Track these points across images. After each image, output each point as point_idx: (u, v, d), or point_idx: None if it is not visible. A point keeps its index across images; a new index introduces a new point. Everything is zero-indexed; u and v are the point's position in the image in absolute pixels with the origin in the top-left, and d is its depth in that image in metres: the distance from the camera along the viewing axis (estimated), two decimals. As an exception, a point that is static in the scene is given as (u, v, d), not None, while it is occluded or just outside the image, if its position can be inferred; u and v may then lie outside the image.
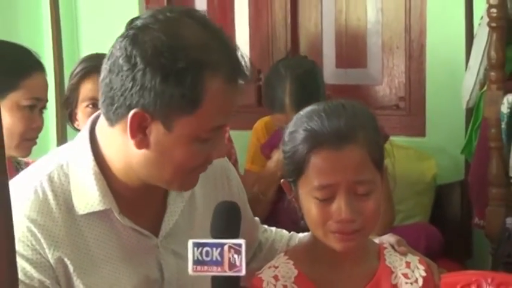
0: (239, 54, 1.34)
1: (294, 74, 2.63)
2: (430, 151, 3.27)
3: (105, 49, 1.40)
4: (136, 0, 3.76)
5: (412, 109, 3.46)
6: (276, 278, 1.42)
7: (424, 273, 1.47)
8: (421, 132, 3.39)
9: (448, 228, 2.97)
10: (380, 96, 3.56)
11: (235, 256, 1.25)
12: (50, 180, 1.39)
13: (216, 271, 1.25)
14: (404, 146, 3.24)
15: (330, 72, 3.53)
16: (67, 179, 1.39)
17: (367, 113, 1.45)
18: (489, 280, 1.98)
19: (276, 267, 1.44)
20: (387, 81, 3.54)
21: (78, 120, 2.39)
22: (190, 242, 1.26)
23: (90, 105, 2.33)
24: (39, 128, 2.11)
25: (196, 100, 1.28)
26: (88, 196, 1.38)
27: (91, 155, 1.39)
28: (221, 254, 1.25)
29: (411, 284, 1.46)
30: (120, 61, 1.29)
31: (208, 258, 1.25)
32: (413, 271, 1.48)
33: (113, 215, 1.39)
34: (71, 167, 1.40)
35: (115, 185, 1.39)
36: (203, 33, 1.31)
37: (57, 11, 3.38)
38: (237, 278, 1.27)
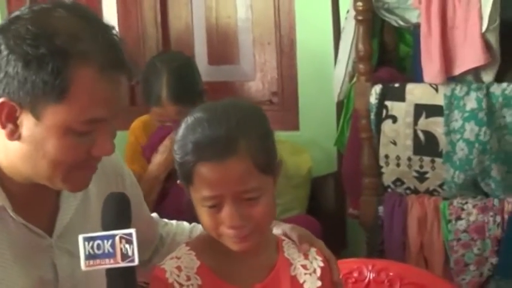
0: (117, 46, 1.33)
1: (170, 67, 2.65)
2: (304, 145, 3.33)
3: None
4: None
5: (285, 104, 3.51)
6: (179, 268, 1.41)
7: (321, 264, 1.50)
8: (295, 126, 3.45)
9: (323, 220, 3.02)
10: (253, 92, 3.59)
11: (127, 246, 1.24)
12: None
13: (109, 263, 1.24)
14: (280, 140, 3.25)
15: (203, 69, 3.48)
16: None
17: (255, 116, 1.44)
18: (370, 267, 2.03)
19: (179, 258, 1.44)
20: (260, 76, 3.58)
21: None
22: (80, 237, 1.25)
23: None
24: None
25: (61, 88, 1.27)
26: None
27: None
28: (113, 246, 1.24)
29: (310, 274, 1.49)
30: None
31: (100, 252, 1.24)
32: (311, 262, 1.50)
33: (6, 214, 1.36)
34: None
35: (6, 184, 1.37)
36: (75, 23, 1.30)
37: None
38: (132, 269, 1.26)
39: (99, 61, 1.29)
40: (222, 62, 3.60)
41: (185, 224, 1.74)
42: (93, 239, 1.24)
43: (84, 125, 1.31)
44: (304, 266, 1.50)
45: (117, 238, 1.24)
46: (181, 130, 1.41)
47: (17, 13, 1.33)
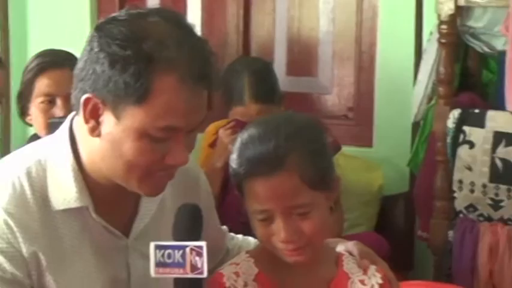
0: (203, 58, 1.34)
1: (251, 68, 2.72)
2: (377, 162, 3.33)
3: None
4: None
5: (360, 120, 3.51)
6: (237, 274, 1.45)
7: (380, 281, 1.51)
8: (369, 143, 3.44)
9: (391, 239, 3.01)
10: (329, 106, 3.60)
11: (197, 258, 1.27)
12: (28, 174, 1.41)
13: (178, 273, 1.27)
14: (352, 155, 3.29)
15: (281, 79, 3.49)
16: (45, 174, 1.41)
17: (307, 131, 1.45)
18: (435, 290, 2.04)
19: (237, 264, 1.48)
20: (337, 91, 3.58)
21: (30, 115, 2.39)
22: (152, 245, 1.28)
23: (45, 101, 2.33)
24: None
25: (141, 91, 1.30)
26: (65, 192, 1.40)
27: (70, 150, 1.41)
28: (183, 257, 1.27)
29: None
30: (85, 46, 1.36)
31: (171, 261, 1.27)
32: (369, 278, 1.51)
33: (87, 213, 1.42)
34: (49, 162, 1.42)
35: (90, 183, 1.42)
36: (166, 30, 1.33)
37: (6, 12, 3.34)
38: (200, 280, 1.29)
39: (181, 70, 1.31)
40: (301, 74, 3.61)
41: (251, 238, 1.75)
42: (165, 247, 1.28)
43: (160, 131, 1.33)
44: (362, 281, 1.51)
45: (188, 249, 1.27)
46: (237, 144, 1.45)
47: (114, 14, 1.38)
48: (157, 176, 1.39)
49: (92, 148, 1.39)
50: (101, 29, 1.35)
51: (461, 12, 2.76)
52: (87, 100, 1.34)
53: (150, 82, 1.30)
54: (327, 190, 1.43)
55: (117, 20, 1.35)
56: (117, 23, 1.34)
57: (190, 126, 1.36)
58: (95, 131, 1.36)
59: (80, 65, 1.37)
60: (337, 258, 1.53)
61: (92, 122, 1.35)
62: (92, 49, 1.33)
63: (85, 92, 1.34)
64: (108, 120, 1.34)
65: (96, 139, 1.37)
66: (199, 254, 1.27)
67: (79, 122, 1.41)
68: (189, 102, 1.33)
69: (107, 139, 1.36)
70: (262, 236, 1.44)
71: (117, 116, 1.33)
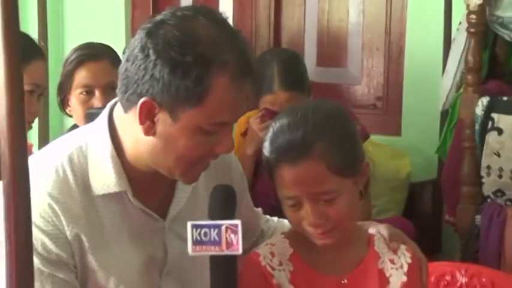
0: (248, 54, 1.41)
1: (281, 57, 2.74)
2: (405, 149, 3.39)
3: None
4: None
5: (389, 109, 3.58)
6: (272, 254, 1.51)
7: (409, 260, 1.55)
8: (397, 131, 3.51)
9: (419, 225, 3.06)
10: (359, 96, 3.67)
11: (232, 236, 1.31)
12: (70, 161, 1.47)
13: (214, 250, 1.32)
14: (381, 144, 3.35)
15: (311, 70, 3.58)
16: (86, 160, 1.48)
17: (334, 119, 1.50)
18: (463, 271, 2.07)
19: (273, 245, 1.54)
20: (366, 81, 3.65)
21: (70, 106, 2.46)
22: (189, 224, 1.33)
23: (84, 93, 2.40)
24: (36, 113, 2.18)
25: (200, 94, 1.36)
26: (105, 178, 1.46)
27: (109, 138, 1.47)
28: (219, 235, 1.31)
29: (396, 269, 1.54)
30: (136, 51, 1.38)
31: (207, 239, 1.32)
32: (399, 257, 1.56)
33: (126, 197, 1.48)
34: (90, 149, 1.48)
35: (128, 169, 1.48)
36: (216, 32, 1.38)
37: (45, 7, 3.43)
38: (235, 257, 1.34)
39: (233, 70, 1.37)
40: (330, 64, 3.68)
41: (285, 221, 1.79)
42: (201, 226, 1.32)
43: (212, 126, 1.40)
44: (391, 261, 1.55)
45: (223, 228, 1.32)
46: (269, 133, 1.50)
47: (160, 17, 1.40)
48: (200, 166, 1.47)
49: (140, 143, 1.44)
50: (152, 35, 1.37)
51: (489, 1, 2.78)
52: (144, 103, 1.38)
53: (208, 85, 1.35)
54: (353, 176, 1.48)
55: (167, 23, 1.38)
56: (167, 27, 1.37)
57: (236, 118, 1.45)
58: (150, 130, 1.40)
59: (131, 68, 1.39)
60: (369, 239, 1.58)
61: (148, 123, 1.40)
62: (148, 56, 1.36)
63: (141, 95, 1.37)
64: (163, 119, 1.39)
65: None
66: (235, 232, 1.31)
67: (123, 116, 1.45)
68: (238, 97, 1.40)
69: (160, 137, 1.41)
70: (292, 220, 1.50)
71: (174, 118, 1.38)
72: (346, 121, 1.52)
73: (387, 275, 1.54)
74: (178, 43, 1.35)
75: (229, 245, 1.32)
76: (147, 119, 1.39)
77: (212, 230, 1.32)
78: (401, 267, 1.55)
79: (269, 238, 1.75)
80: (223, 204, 1.38)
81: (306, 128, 1.44)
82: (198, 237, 1.32)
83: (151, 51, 1.36)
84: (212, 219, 1.34)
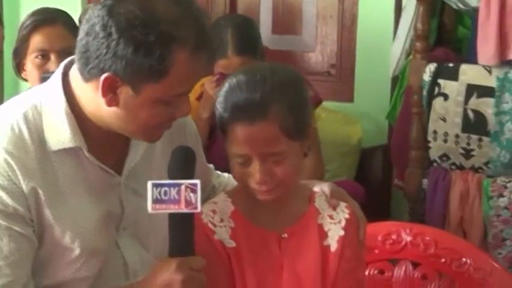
0: (207, 28, 1.46)
1: (234, 22, 2.75)
2: (357, 116, 3.45)
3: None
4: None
5: (342, 76, 3.63)
6: (214, 211, 1.56)
7: (347, 216, 1.62)
8: (350, 98, 3.58)
9: (370, 189, 3.14)
10: (312, 63, 3.72)
11: (191, 195, 1.35)
12: (25, 118, 1.50)
13: (173, 208, 1.35)
14: (333, 110, 3.41)
15: (266, 37, 3.63)
16: (40, 117, 1.51)
17: (291, 84, 1.54)
18: (407, 230, 2.12)
19: (215, 203, 1.59)
20: (320, 48, 3.69)
21: (25, 71, 2.47)
22: (149, 183, 1.35)
23: (39, 57, 2.42)
24: None
25: (163, 70, 1.40)
26: (60, 134, 1.50)
27: (63, 96, 1.50)
28: (178, 193, 1.35)
29: (334, 224, 1.60)
30: (97, 28, 1.41)
31: (167, 197, 1.35)
32: (338, 213, 1.62)
33: (82, 153, 1.52)
34: (44, 107, 1.52)
35: (85, 126, 1.51)
36: (175, 8, 1.42)
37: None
38: (192, 215, 1.38)
39: (192, 44, 1.41)
40: (285, 32, 3.72)
41: None
42: (161, 185, 1.35)
43: (173, 97, 1.46)
44: (330, 216, 1.61)
45: (183, 187, 1.35)
46: (224, 88, 1.53)
47: None
48: (162, 128, 1.52)
49: (102, 110, 1.47)
50: (113, 13, 1.40)
51: (437, -30, 2.86)
52: (106, 79, 1.42)
53: (170, 61, 1.40)
54: (301, 139, 1.53)
55: (127, 2, 1.40)
56: (129, 6, 1.40)
57: (194, 86, 1.51)
58: (112, 102, 1.44)
59: (93, 43, 1.42)
60: (310, 196, 1.64)
61: (110, 95, 1.44)
62: (110, 34, 1.39)
63: (103, 71, 1.41)
64: (125, 92, 1.43)
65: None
66: (194, 191, 1.35)
67: (83, 85, 1.48)
68: (197, 69, 1.46)
69: (123, 107, 1.45)
70: (238, 175, 1.54)
71: (136, 91, 1.43)
72: (301, 86, 1.56)
73: (326, 229, 1.60)
74: (140, 22, 1.38)
75: (188, 203, 1.35)
76: (110, 92, 1.43)
77: (172, 188, 1.35)
78: (340, 222, 1.61)
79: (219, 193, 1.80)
80: (183, 165, 1.41)
81: (264, 89, 1.47)
82: (158, 196, 1.35)
83: (113, 30, 1.39)
84: (172, 178, 1.37)
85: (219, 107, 1.53)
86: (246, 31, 2.73)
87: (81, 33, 1.46)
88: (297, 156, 1.53)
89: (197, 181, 1.36)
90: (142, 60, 1.39)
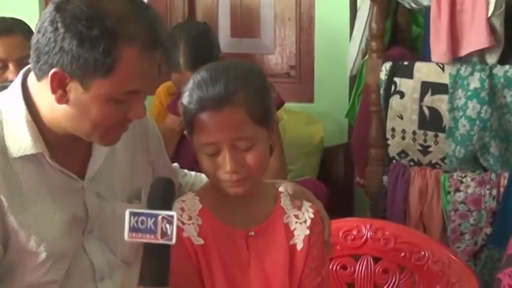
0: (157, 27, 1.48)
1: (188, 35, 2.74)
2: (318, 116, 3.51)
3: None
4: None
5: (302, 77, 3.69)
6: (182, 209, 1.60)
7: (312, 215, 1.67)
8: (310, 99, 3.63)
9: (332, 187, 3.18)
10: (272, 65, 3.76)
11: (168, 226, 1.35)
12: None
13: (149, 238, 1.35)
14: (295, 111, 3.46)
15: (226, 41, 3.70)
16: (1, 125, 1.53)
17: (253, 73, 1.59)
18: (368, 226, 2.18)
19: (184, 201, 1.62)
20: (279, 50, 3.74)
21: None
22: (127, 211, 1.36)
23: None
24: None
25: (109, 65, 1.43)
26: (21, 141, 1.52)
27: (23, 103, 1.53)
28: (155, 224, 1.35)
29: (300, 223, 1.66)
30: (46, 24, 1.44)
31: (143, 227, 1.35)
32: (303, 213, 1.67)
33: (44, 159, 1.54)
34: (4, 114, 1.54)
35: (45, 132, 1.53)
36: (123, 6, 1.45)
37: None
38: (168, 247, 1.38)
39: (142, 42, 1.44)
40: (244, 35, 3.75)
41: (203, 175, 1.86)
42: (139, 214, 1.35)
43: (124, 95, 1.48)
44: (296, 216, 1.67)
45: (159, 218, 1.35)
46: (189, 83, 1.58)
47: None
48: (117, 130, 1.54)
49: (55, 110, 1.49)
50: (61, 9, 1.43)
51: (390, -30, 2.91)
52: (54, 74, 1.44)
53: (116, 57, 1.42)
54: (268, 128, 1.58)
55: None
56: (76, 2, 1.43)
57: (148, 88, 1.52)
58: (62, 99, 1.46)
59: (42, 40, 1.44)
60: (276, 195, 1.69)
61: (60, 92, 1.46)
62: (57, 29, 1.42)
63: (52, 66, 1.44)
64: (75, 89, 1.45)
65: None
66: (170, 223, 1.35)
67: (37, 84, 1.50)
68: (148, 67, 1.48)
69: (74, 105, 1.47)
70: (208, 169, 1.57)
71: (85, 87, 1.45)
72: (262, 76, 1.62)
73: (292, 228, 1.65)
74: (85, 17, 1.41)
75: (163, 234, 1.35)
76: (59, 88, 1.46)
77: (149, 219, 1.35)
78: (305, 222, 1.66)
79: (187, 192, 1.80)
80: (163, 196, 1.41)
81: (228, 78, 1.53)
82: (135, 224, 1.35)
83: (59, 25, 1.42)
84: (150, 208, 1.38)
85: (185, 101, 1.57)
86: (199, 46, 2.73)
87: (35, 33, 1.49)
88: (265, 145, 1.58)
89: (173, 213, 1.36)
90: (88, 54, 1.41)
